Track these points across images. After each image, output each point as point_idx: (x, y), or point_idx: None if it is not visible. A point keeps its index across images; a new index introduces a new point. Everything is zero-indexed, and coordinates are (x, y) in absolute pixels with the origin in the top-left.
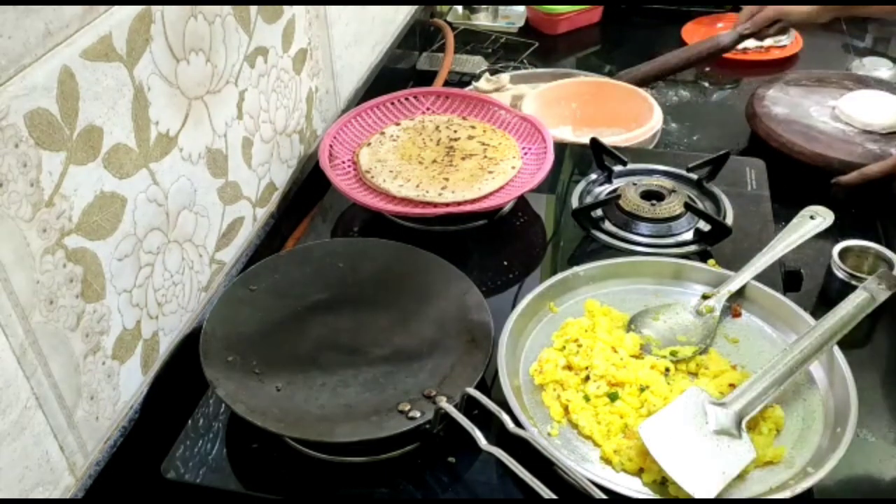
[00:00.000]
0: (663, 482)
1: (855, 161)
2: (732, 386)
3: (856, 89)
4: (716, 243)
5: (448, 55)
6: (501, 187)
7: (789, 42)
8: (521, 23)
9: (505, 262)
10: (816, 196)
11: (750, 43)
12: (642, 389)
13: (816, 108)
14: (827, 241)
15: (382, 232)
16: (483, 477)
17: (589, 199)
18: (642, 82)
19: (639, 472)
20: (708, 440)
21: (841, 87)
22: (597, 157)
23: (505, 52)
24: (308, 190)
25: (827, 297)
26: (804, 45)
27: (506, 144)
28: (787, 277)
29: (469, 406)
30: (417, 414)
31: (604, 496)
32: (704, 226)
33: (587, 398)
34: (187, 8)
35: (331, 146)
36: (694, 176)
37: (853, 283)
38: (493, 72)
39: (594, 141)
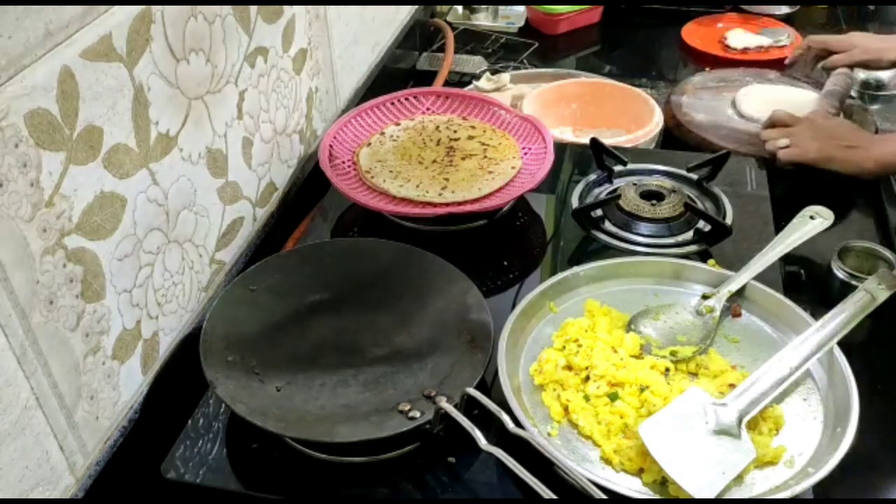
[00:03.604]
0: (663, 482)
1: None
2: (732, 386)
3: (754, 83)
4: (716, 243)
5: (448, 55)
6: (501, 187)
7: (789, 42)
8: (521, 23)
9: (505, 262)
10: (816, 196)
11: (750, 43)
12: (642, 389)
13: (731, 110)
14: (827, 241)
15: (382, 232)
16: (483, 477)
17: (589, 199)
18: None
19: (639, 472)
20: (708, 440)
21: (742, 84)
22: (597, 157)
23: (505, 52)
24: (308, 190)
25: (827, 297)
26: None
27: (506, 144)
28: (787, 277)
29: (469, 406)
30: (417, 414)
31: (604, 496)
32: (704, 226)
33: (587, 398)
34: (187, 8)
35: (331, 146)
36: (694, 176)
37: (853, 283)
38: (494, 72)
39: (594, 141)
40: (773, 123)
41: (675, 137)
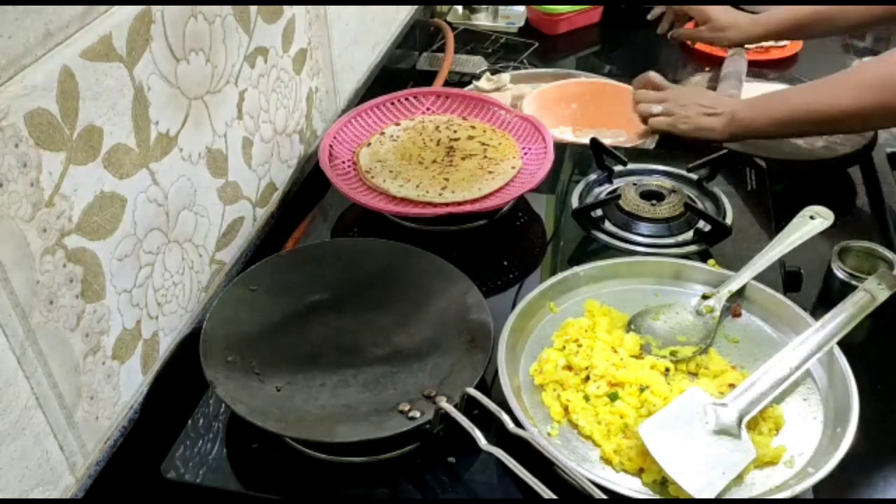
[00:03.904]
0: (663, 482)
1: (786, 158)
2: (732, 386)
3: (754, 83)
4: (716, 243)
5: (448, 55)
6: (501, 187)
7: (789, 42)
8: (521, 23)
9: (505, 262)
10: (816, 196)
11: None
12: (642, 389)
13: None
14: (827, 241)
15: (382, 232)
16: (483, 477)
17: (589, 199)
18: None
19: (639, 472)
20: (708, 440)
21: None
22: (597, 157)
23: (505, 52)
24: (308, 190)
25: (827, 297)
26: (804, 45)
27: (506, 144)
28: (787, 277)
29: (469, 406)
30: (417, 414)
31: (604, 496)
32: (704, 226)
33: (587, 398)
34: (187, 8)
35: (331, 146)
36: (694, 176)
37: (853, 283)
38: (494, 72)
39: (594, 141)
40: (644, 84)
41: (676, 137)
